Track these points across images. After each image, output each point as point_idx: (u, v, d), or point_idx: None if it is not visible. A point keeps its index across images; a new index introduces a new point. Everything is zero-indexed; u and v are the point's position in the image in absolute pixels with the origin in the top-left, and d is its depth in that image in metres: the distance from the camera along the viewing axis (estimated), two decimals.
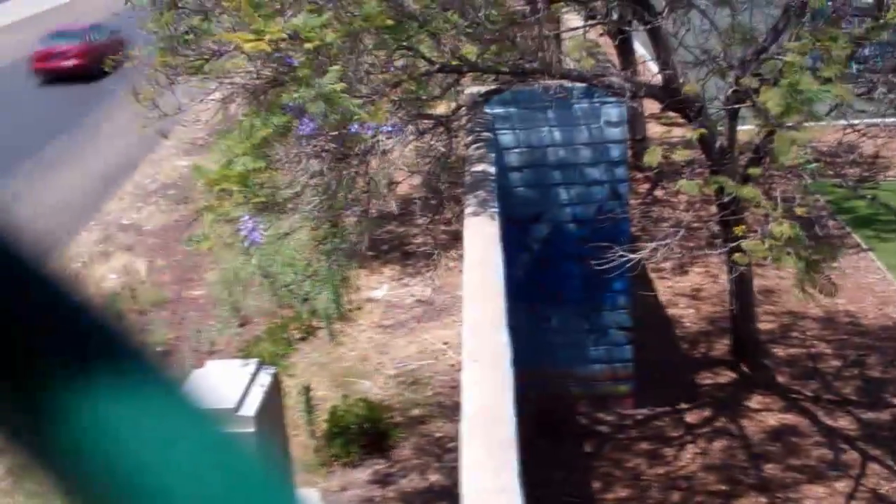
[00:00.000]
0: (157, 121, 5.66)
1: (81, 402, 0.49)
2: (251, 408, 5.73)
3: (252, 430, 5.64)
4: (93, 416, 0.49)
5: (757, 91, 5.62)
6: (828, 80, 5.27)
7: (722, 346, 8.30)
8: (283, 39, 4.69)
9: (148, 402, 0.51)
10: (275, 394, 6.15)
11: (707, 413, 7.53)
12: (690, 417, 7.50)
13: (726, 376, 7.96)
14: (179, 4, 5.61)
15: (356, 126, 5.11)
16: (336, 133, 5.15)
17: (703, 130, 6.18)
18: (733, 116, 6.66)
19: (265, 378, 6.04)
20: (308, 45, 4.72)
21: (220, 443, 0.52)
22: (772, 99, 5.26)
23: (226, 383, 5.93)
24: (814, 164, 5.90)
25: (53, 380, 0.49)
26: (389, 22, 5.25)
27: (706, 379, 7.97)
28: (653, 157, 5.66)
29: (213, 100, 5.83)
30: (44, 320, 0.51)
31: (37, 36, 26.00)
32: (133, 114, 6.23)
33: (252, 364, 6.20)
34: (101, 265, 12.30)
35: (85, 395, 0.49)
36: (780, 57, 5.51)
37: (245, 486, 0.52)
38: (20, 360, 0.50)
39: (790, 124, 5.19)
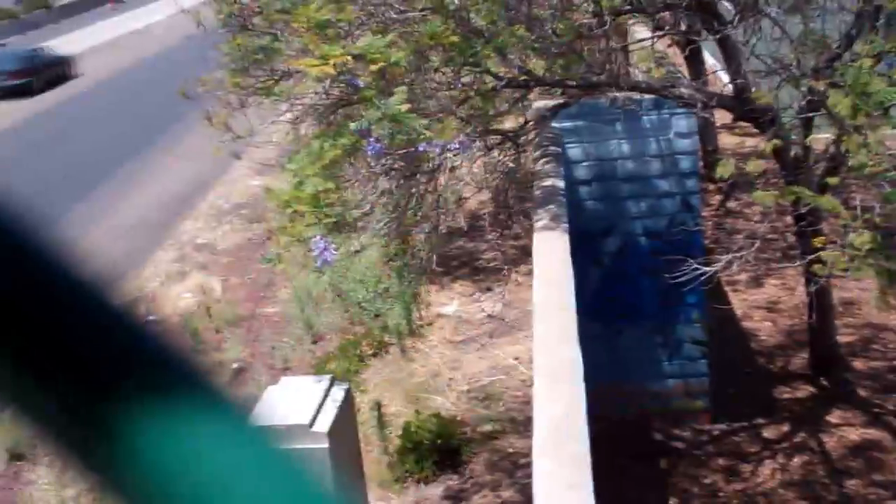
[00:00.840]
0: (230, 143, 5.75)
1: (146, 426, 0.49)
2: (325, 424, 5.76)
3: (325, 445, 5.67)
4: (157, 440, 0.49)
5: (828, 97, 5.51)
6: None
7: (800, 360, 8.13)
8: (348, 62, 4.73)
9: (213, 424, 0.51)
10: (348, 410, 6.18)
11: (786, 428, 7.38)
12: (768, 433, 7.36)
13: (805, 390, 7.80)
14: (250, 27, 5.70)
15: (423, 144, 5.14)
16: (404, 152, 5.18)
17: (776, 142, 6.08)
18: (807, 125, 6.54)
19: (338, 394, 6.08)
20: (373, 67, 4.75)
21: (282, 463, 0.53)
22: (840, 102, 5.16)
23: (299, 399, 5.97)
24: (893, 173, 5.76)
25: (118, 404, 0.50)
26: (454, 39, 5.27)
27: (784, 393, 7.82)
28: (725, 169, 5.58)
29: (283, 121, 5.91)
30: (107, 344, 0.52)
31: (115, 60, 26.66)
32: (206, 135, 6.34)
33: (325, 380, 6.25)
34: (176, 284, 12.51)
35: (149, 420, 0.50)
36: (852, 63, 5.40)
37: None
38: (85, 385, 0.50)
39: (858, 125, 5.08)
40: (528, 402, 6.94)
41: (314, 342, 10.06)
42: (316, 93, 5.42)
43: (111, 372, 0.51)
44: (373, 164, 5.30)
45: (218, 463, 0.50)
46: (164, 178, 17.38)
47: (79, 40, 36.16)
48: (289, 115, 6.14)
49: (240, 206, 15.42)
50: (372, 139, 4.82)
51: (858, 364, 8.07)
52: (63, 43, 35.34)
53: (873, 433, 7.16)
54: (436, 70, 5.62)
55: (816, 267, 5.57)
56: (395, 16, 5.65)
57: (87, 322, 0.52)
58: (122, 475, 0.49)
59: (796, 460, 6.99)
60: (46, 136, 21.41)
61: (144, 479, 0.49)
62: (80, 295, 0.53)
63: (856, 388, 7.75)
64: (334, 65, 4.79)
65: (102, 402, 0.50)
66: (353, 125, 4.74)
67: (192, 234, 14.66)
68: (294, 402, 5.95)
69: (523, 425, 7.45)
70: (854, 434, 7.18)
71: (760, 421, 7.47)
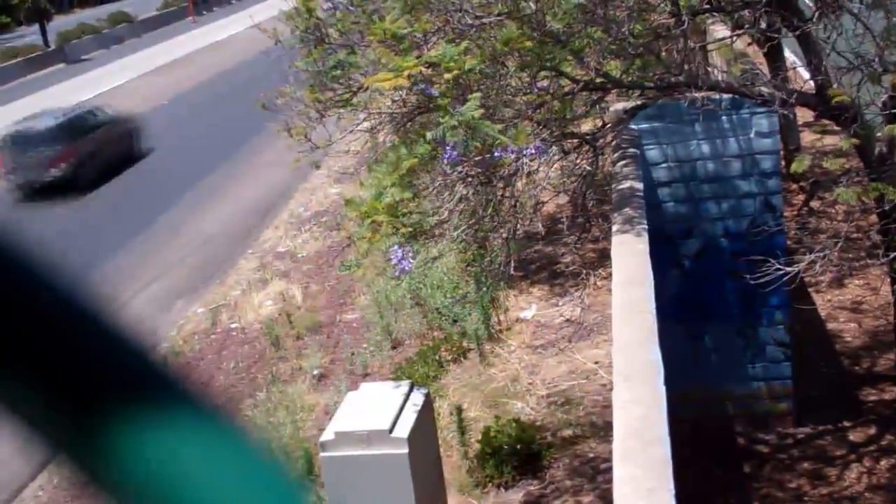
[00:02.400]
0: (310, 153, 5.83)
1: (139, 442, 0.52)
2: (405, 429, 5.81)
3: (405, 451, 5.72)
4: (149, 456, 0.52)
5: None
6: None
7: (886, 361, 7.95)
8: (422, 72, 4.77)
9: (208, 444, 0.53)
10: (427, 415, 6.22)
11: (872, 431, 7.23)
12: (854, 436, 7.21)
13: (891, 392, 7.62)
14: (326, 41, 5.77)
15: (499, 150, 5.15)
16: (479, 158, 5.20)
17: (854, 140, 5.96)
18: (891, 121, 6.40)
19: (418, 399, 6.12)
20: (447, 76, 4.78)
21: (277, 481, 0.54)
22: None
23: (379, 405, 6.03)
24: None
25: (114, 421, 0.52)
26: (529, 44, 5.28)
27: (870, 395, 7.65)
28: (800, 165, 5.50)
29: (361, 130, 5.97)
30: (108, 364, 0.54)
31: (196, 72, 27.16)
32: (284, 146, 6.44)
33: (404, 386, 6.30)
34: (258, 292, 12.71)
35: (142, 436, 0.52)
36: None
37: None
38: (85, 398, 0.53)
39: None
40: (608, 407, 6.90)
41: (393, 348, 10.14)
42: (393, 100, 5.48)
43: (105, 388, 0.53)
44: (449, 171, 5.33)
45: (215, 481, 0.52)
46: (245, 188, 17.67)
47: (160, 53, 36.95)
48: (366, 125, 6.21)
49: (319, 215, 15.60)
50: (448, 147, 4.85)
51: None
52: (143, 58, 36.14)
53: None
54: (511, 75, 5.63)
55: None
56: (470, 22, 5.68)
57: (89, 342, 0.55)
58: (116, 481, 0.52)
59: (883, 463, 6.84)
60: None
61: (136, 493, 0.52)
62: (88, 318, 0.55)
63: None
64: (409, 76, 4.83)
65: (94, 415, 0.52)
66: (429, 134, 4.78)
67: (272, 242, 14.88)
68: (374, 408, 6.01)
69: (603, 430, 7.41)
70: None
71: (846, 424, 7.33)
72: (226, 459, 0.53)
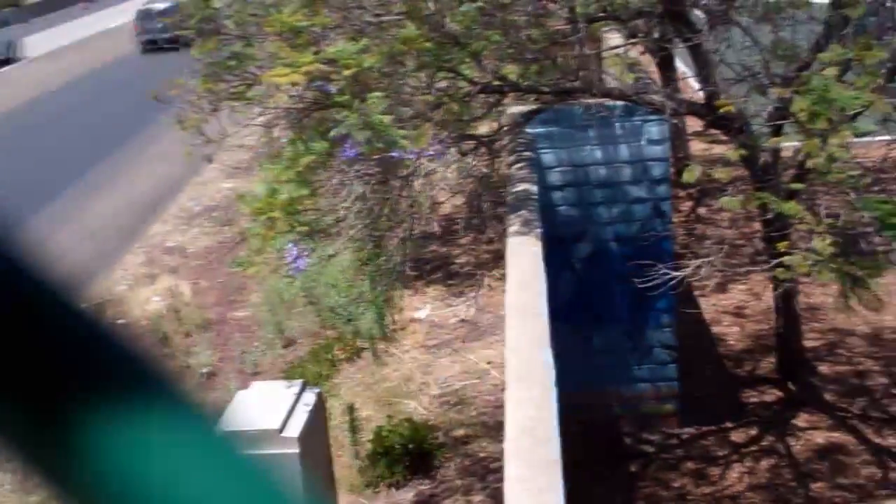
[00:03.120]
0: (202, 146, 5.74)
1: (111, 432, 0.50)
2: (295, 429, 5.76)
3: (296, 450, 5.67)
4: (123, 446, 0.50)
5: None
6: (859, 89, 5.24)
7: (767, 364, 8.22)
8: (319, 69, 4.74)
9: (180, 429, 0.51)
10: (319, 414, 6.18)
11: (753, 432, 7.46)
12: (736, 436, 7.43)
13: (772, 394, 7.88)
14: (222, 31, 5.70)
15: (398, 152, 5.16)
16: (378, 157, 5.20)
17: (742, 151, 6.15)
18: (776, 132, 6.63)
19: (309, 398, 6.08)
20: (346, 73, 4.77)
21: (254, 468, 0.53)
22: (802, 109, 5.24)
23: (270, 404, 5.97)
24: (857, 179, 5.85)
25: (82, 409, 0.50)
26: (428, 44, 5.29)
27: (752, 397, 7.90)
28: (691, 175, 5.65)
29: (256, 124, 5.91)
30: (72, 349, 0.52)
31: (86, 59, 26.47)
32: (177, 138, 6.32)
33: (296, 385, 6.25)
34: (145, 288, 12.44)
35: (115, 425, 0.50)
36: (820, 73, 5.48)
37: None
38: (41, 387, 0.50)
39: (819, 130, 5.16)
40: (500, 407, 6.96)
41: (285, 347, 10.04)
42: (290, 96, 5.43)
43: (76, 376, 0.51)
44: (347, 169, 5.31)
45: (184, 469, 0.50)
46: (134, 180, 17.28)
47: (48, 39, 35.84)
48: (262, 119, 6.14)
49: (211, 209, 15.36)
50: (347, 145, 4.83)
51: (824, 368, 8.17)
52: (32, 42, 35.01)
53: (838, 436, 7.25)
54: (410, 75, 5.64)
55: (779, 271, 5.65)
56: (369, 19, 5.67)
57: (53, 325, 0.52)
58: (85, 483, 0.49)
59: (763, 463, 7.07)
60: (14, 135, 21.21)
61: (108, 486, 0.49)
62: (45, 297, 0.53)
63: (821, 392, 7.84)
64: (305, 72, 4.80)
65: (66, 407, 0.50)
66: (333, 132, 4.75)
67: (161, 236, 14.59)
68: (264, 407, 5.94)
69: (495, 430, 7.48)
70: (820, 437, 7.27)
71: (728, 425, 7.55)
72: (203, 449, 0.52)
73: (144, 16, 30.74)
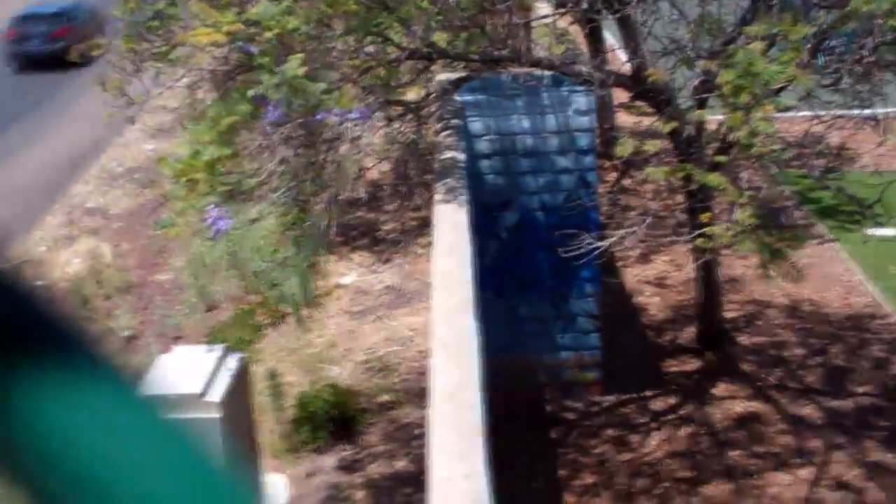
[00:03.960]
0: (125, 107, 5.61)
1: (29, 394, 0.48)
2: (217, 393, 5.70)
3: (218, 415, 5.62)
4: (41, 409, 0.48)
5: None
6: (783, 64, 5.31)
7: (688, 334, 8.36)
8: (240, 29, 4.66)
9: (100, 392, 0.50)
10: (242, 380, 6.12)
11: (673, 400, 7.59)
12: (656, 405, 7.56)
13: (692, 364, 8.02)
14: None
15: (322, 112, 5.09)
16: (302, 120, 5.13)
17: (673, 124, 6.21)
18: (701, 105, 6.70)
19: (232, 363, 6.02)
20: (268, 34, 4.69)
21: (175, 432, 0.52)
22: (725, 79, 5.30)
23: (192, 369, 5.90)
24: (779, 153, 5.95)
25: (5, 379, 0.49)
26: (355, 7, 5.23)
27: (672, 366, 8.03)
28: (625, 148, 5.68)
29: (179, 86, 5.79)
30: None
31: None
32: (99, 98, 6.17)
33: (219, 350, 6.18)
34: (65, 249, 12.19)
35: (33, 387, 0.49)
36: (743, 47, 5.54)
37: (202, 474, 0.52)
38: None
39: (742, 103, 5.22)
40: (424, 373, 6.98)
41: (208, 311, 9.93)
42: (214, 57, 5.33)
43: None
44: (271, 131, 5.24)
45: (105, 432, 0.49)
46: (55, 140, 16.87)
47: None
48: (185, 81, 6.02)
49: (133, 171, 15.06)
50: (270, 106, 4.76)
51: (743, 339, 8.33)
52: None
53: (756, 406, 7.42)
54: (337, 39, 5.57)
55: (701, 241, 5.73)
56: None
57: None
58: (9, 443, 0.49)
59: (682, 431, 7.20)
60: None
61: (28, 448, 0.48)
62: None
63: (740, 363, 8.01)
64: (227, 32, 4.71)
65: None
66: (250, 92, 4.67)
67: (82, 197, 14.28)
68: (186, 372, 5.87)
69: (419, 396, 7.50)
70: (738, 406, 7.42)
71: (649, 393, 7.67)
72: (130, 416, 0.50)
73: (24, 20, 23.15)
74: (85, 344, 0.52)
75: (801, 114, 6.95)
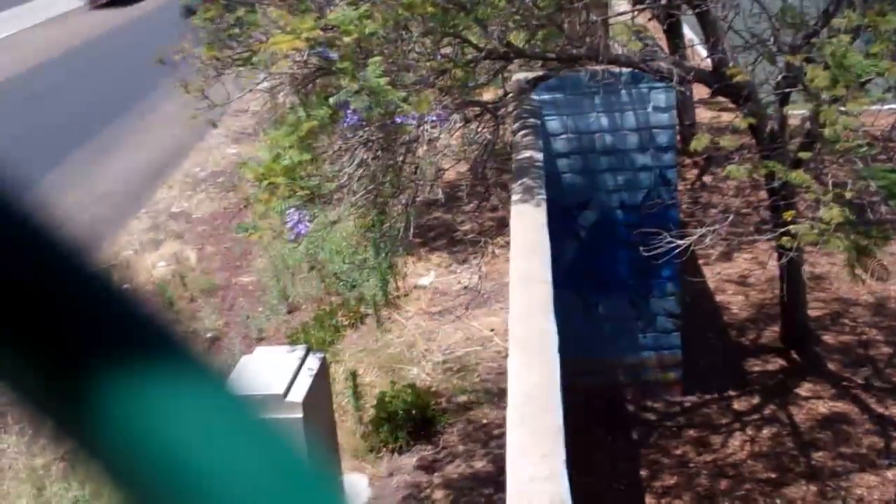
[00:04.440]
0: (207, 111, 5.72)
1: (123, 392, 0.50)
2: (299, 394, 5.78)
3: (300, 415, 5.69)
4: (134, 407, 0.50)
5: (805, 73, 5.55)
6: (875, 56, 5.20)
7: (771, 333, 8.22)
8: (319, 35, 4.71)
9: (189, 391, 0.52)
10: (323, 380, 6.19)
11: (756, 400, 7.48)
12: (739, 405, 7.45)
13: (775, 363, 7.89)
14: None
15: (401, 116, 5.13)
16: (381, 124, 5.17)
17: (751, 119, 6.11)
18: (784, 100, 6.58)
19: (313, 364, 6.09)
20: (347, 39, 4.73)
21: (261, 431, 0.53)
22: (818, 76, 5.19)
23: (274, 369, 5.98)
24: (865, 148, 5.81)
25: (95, 370, 0.50)
26: (431, 9, 5.25)
27: (755, 366, 7.91)
28: (700, 143, 5.62)
29: (260, 90, 5.88)
30: (85, 312, 0.52)
31: (92, 24, 26.30)
32: (181, 103, 6.30)
33: (300, 350, 6.26)
34: (151, 253, 12.46)
35: (126, 386, 0.50)
36: (829, 40, 5.43)
37: (288, 473, 0.53)
38: (62, 351, 0.51)
39: (837, 97, 5.12)
40: (502, 374, 6.98)
41: (289, 312, 10.06)
42: (294, 62, 5.40)
43: (88, 337, 0.51)
44: (350, 135, 5.29)
45: (197, 430, 0.51)
46: (140, 145, 17.26)
47: (50, 5, 35.70)
48: (266, 84, 6.12)
49: (216, 175, 15.33)
50: (349, 111, 4.81)
51: (828, 338, 8.17)
52: (29, 10, 34.89)
53: (841, 406, 7.26)
54: (414, 41, 5.60)
55: (784, 240, 5.63)
56: None
57: (64, 286, 0.52)
58: (99, 443, 0.50)
59: (765, 432, 7.09)
60: (20, 101, 21.18)
61: (121, 446, 0.50)
62: (56, 259, 0.53)
63: (825, 362, 7.85)
64: (307, 39, 4.76)
65: (79, 368, 0.50)
66: (332, 99, 4.73)
67: (167, 202, 14.58)
68: (268, 372, 5.95)
69: (498, 396, 7.50)
70: (823, 407, 7.28)
71: (731, 393, 7.56)
72: (227, 414, 0.52)
73: None
74: (176, 343, 0.54)
75: (887, 106, 6.79)
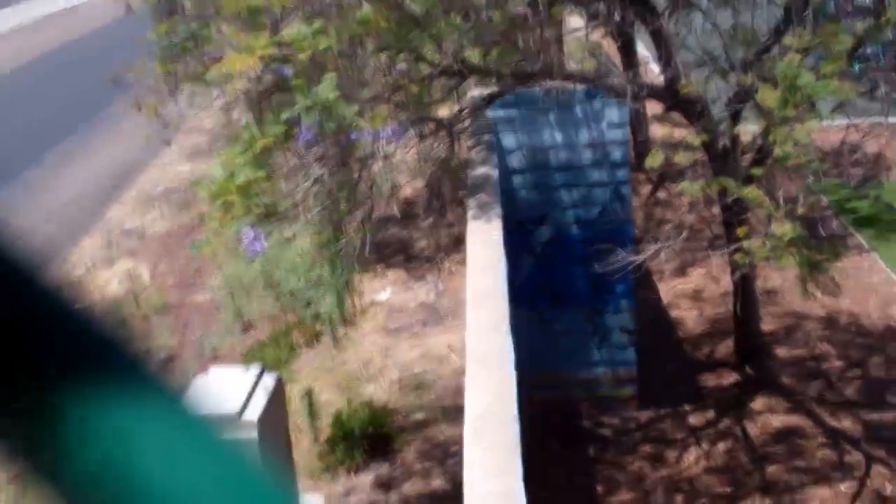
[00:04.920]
0: (161, 129, 5.67)
1: (80, 411, 0.49)
2: (254, 413, 5.72)
3: (255, 435, 5.63)
4: (91, 426, 0.49)
5: (756, 90, 5.62)
6: (826, 76, 5.27)
7: (725, 348, 8.29)
8: (273, 53, 4.69)
9: (147, 410, 0.51)
10: (278, 399, 6.14)
11: (710, 415, 7.52)
12: (694, 419, 7.49)
13: (730, 378, 7.95)
14: (179, 12, 5.62)
15: (355, 132, 5.12)
16: (335, 140, 5.16)
17: (703, 137, 6.18)
18: (735, 117, 6.66)
19: (269, 383, 6.03)
20: (301, 56, 4.72)
21: (219, 450, 0.52)
22: (769, 96, 5.26)
23: (229, 388, 5.92)
24: (816, 163, 5.89)
25: (52, 390, 0.49)
26: (386, 25, 5.26)
27: (709, 381, 7.96)
28: (654, 160, 5.66)
29: (214, 107, 5.84)
30: (41, 330, 0.51)
31: (43, 40, 25.99)
32: (134, 121, 6.24)
33: (255, 369, 6.20)
34: (104, 271, 12.31)
35: (83, 405, 0.49)
36: (781, 57, 5.50)
37: (246, 493, 0.52)
38: (19, 371, 0.50)
39: (787, 117, 5.19)
40: (459, 391, 6.96)
41: (244, 331, 9.98)
42: (248, 79, 5.37)
43: (41, 357, 0.50)
44: (304, 152, 5.27)
45: (152, 450, 0.50)
46: (92, 163, 17.07)
47: (4, 18, 35.31)
48: (220, 102, 6.08)
49: (169, 192, 15.20)
50: (303, 127, 4.79)
51: (781, 352, 8.25)
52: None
53: (795, 420, 7.33)
54: (369, 57, 5.60)
55: (738, 255, 5.68)
56: (329, 0, 5.61)
57: (16, 305, 0.51)
58: (52, 463, 0.49)
59: (720, 446, 7.13)
60: None
61: (76, 466, 0.49)
62: (8, 277, 0.52)
63: (778, 376, 7.92)
64: (261, 57, 4.74)
65: (31, 387, 0.49)
66: (283, 115, 4.71)
67: (119, 219, 14.43)
68: (223, 391, 5.89)
69: (455, 413, 7.48)
70: (776, 421, 7.34)
71: (686, 408, 7.61)
72: (187, 436, 0.51)
73: None
74: (132, 362, 0.53)
75: (837, 122, 6.89)
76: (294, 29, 4.90)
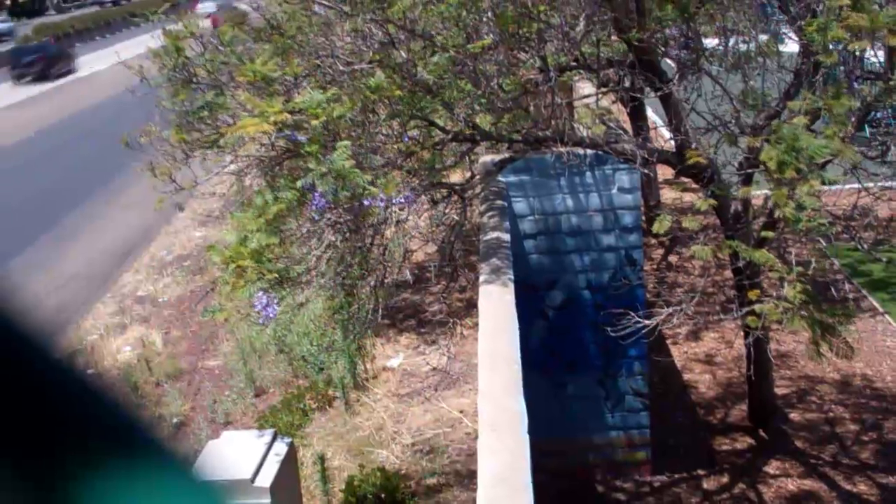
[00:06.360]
0: (174, 194, 5.72)
1: (89, 479, 0.49)
2: (267, 478, 5.70)
3: (267, 500, 5.61)
4: (101, 495, 0.49)
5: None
6: (828, 138, 5.30)
7: (739, 412, 8.23)
8: (287, 118, 4.75)
9: (156, 478, 0.51)
10: (291, 464, 6.12)
11: (725, 479, 7.45)
12: (708, 484, 7.42)
13: (744, 442, 7.88)
14: (194, 80, 5.70)
15: (368, 199, 5.16)
16: (349, 206, 5.20)
17: (712, 200, 6.20)
18: (746, 181, 6.69)
19: (281, 448, 6.02)
20: (315, 122, 4.78)
21: None
22: (770, 156, 5.28)
23: (241, 454, 5.90)
24: (827, 227, 5.90)
25: (59, 456, 0.50)
26: (399, 92, 5.32)
27: (723, 445, 7.90)
28: (662, 225, 5.68)
29: (227, 172, 5.90)
30: (49, 397, 0.52)
31: (58, 108, 26.38)
32: (148, 186, 6.30)
33: (268, 434, 6.19)
34: (116, 337, 12.33)
35: (92, 473, 0.49)
36: (789, 122, 5.55)
37: None
38: (26, 438, 0.50)
39: (789, 179, 5.20)
40: (472, 455, 6.92)
41: (257, 396, 9.96)
42: (262, 144, 5.43)
43: (52, 424, 0.51)
44: (317, 218, 5.31)
45: None
46: (105, 229, 17.19)
47: (20, 88, 35.82)
48: (233, 167, 6.14)
49: (182, 258, 15.28)
50: (316, 194, 4.83)
51: (795, 415, 8.19)
52: (7, 88, 34.99)
53: (809, 483, 7.25)
54: (382, 123, 5.66)
55: (750, 319, 5.66)
56: (341, 68, 5.70)
57: (28, 373, 0.52)
58: None
59: None
60: None
61: None
62: (21, 346, 0.53)
63: (792, 440, 7.85)
64: (274, 122, 4.80)
65: (43, 454, 0.50)
66: (298, 182, 4.75)
67: (132, 285, 14.49)
68: (236, 457, 5.87)
69: (467, 478, 7.43)
70: (791, 484, 7.26)
71: (700, 472, 7.53)
72: None
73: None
74: (141, 430, 0.53)
75: (848, 186, 6.91)
76: (307, 95, 4.97)
